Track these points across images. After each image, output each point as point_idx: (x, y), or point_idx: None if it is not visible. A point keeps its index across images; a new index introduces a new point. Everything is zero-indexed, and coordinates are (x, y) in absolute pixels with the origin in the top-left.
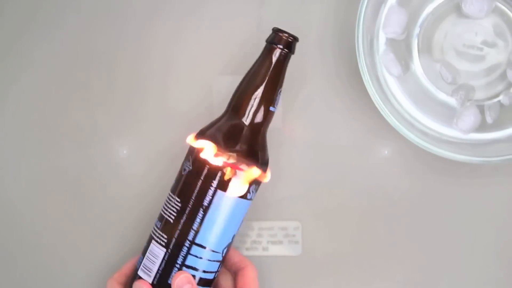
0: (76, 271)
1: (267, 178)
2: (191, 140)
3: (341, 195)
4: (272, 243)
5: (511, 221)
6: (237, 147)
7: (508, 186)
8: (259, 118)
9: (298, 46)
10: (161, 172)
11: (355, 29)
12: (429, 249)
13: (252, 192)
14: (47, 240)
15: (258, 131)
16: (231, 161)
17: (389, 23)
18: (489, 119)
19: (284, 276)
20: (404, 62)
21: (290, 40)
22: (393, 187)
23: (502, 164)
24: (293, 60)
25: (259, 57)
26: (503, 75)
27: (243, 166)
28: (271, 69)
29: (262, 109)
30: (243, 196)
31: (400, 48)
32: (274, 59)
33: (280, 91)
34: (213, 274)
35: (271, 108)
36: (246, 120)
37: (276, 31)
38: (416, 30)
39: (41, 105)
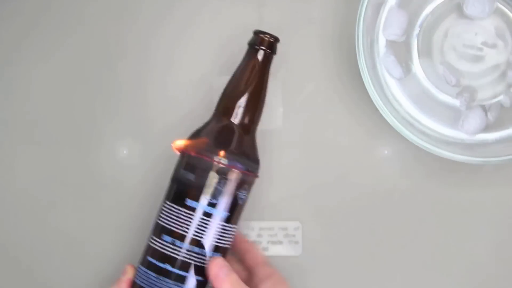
0: (76, 271)
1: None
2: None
3: (341, 195)
4: (272, 243)
5: (511, 221)
6: (229, 147)
7: (508, 186)
8: (247, 119)
9: (298, 46)
10: (161, 172)
11: (355, 30)
12: (429, 249)
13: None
14: (47, 240)
15: (247, 131)
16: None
17: (389, 25)
18: (489, 119)
19: (284, 276)
20: (405, 64)
21: (271, 41)
22: (393, 187)
23: (502, 164)
24: (294, 60)
25: (243, 59)
26: (503, 76)
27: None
28: (256, 70)
29: (250, 110)
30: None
31: (401, 50)
32: (259, 60)
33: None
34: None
35: (259, 110)
36: (235, 120)
37: (258, 33)
38: (416, 31)
39: (40, 105)
